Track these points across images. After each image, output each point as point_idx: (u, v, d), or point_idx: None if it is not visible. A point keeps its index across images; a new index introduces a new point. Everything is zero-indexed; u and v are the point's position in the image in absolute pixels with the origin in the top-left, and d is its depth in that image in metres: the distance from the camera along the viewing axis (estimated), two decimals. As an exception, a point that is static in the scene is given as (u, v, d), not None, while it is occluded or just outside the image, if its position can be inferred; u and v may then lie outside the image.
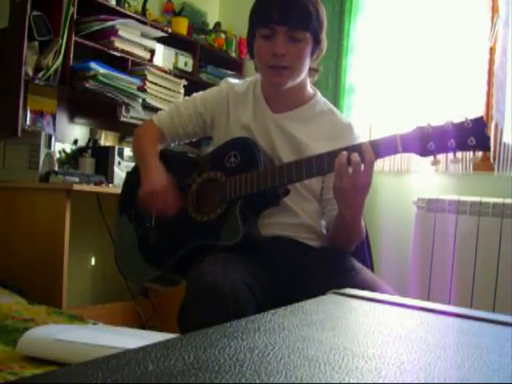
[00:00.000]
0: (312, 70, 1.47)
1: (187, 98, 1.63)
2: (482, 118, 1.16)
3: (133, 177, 1.65)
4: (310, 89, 1.51)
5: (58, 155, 2.60)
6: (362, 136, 1.50)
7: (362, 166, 1.18)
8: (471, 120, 1.14)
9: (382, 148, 1.20)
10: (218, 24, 3.48)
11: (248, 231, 1.33)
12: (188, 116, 1.54)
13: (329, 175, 1.32)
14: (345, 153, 1.19)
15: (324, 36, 1.41)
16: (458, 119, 1.16)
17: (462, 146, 1.15)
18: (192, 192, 1.44)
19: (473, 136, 1.13)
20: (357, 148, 1.21)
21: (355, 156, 1.18)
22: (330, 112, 1.50)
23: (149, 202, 1.43)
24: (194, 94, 1.59)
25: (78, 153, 2.73)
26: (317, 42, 1.39)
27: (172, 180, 1.45)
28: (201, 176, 1.46)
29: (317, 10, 1.36)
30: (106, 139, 2.93)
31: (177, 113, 1.56)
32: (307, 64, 1.40)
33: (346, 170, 1.18)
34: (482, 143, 1.13)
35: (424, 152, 1.18)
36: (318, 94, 1.53)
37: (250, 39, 1.42)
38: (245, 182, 1.34)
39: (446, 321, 0.71)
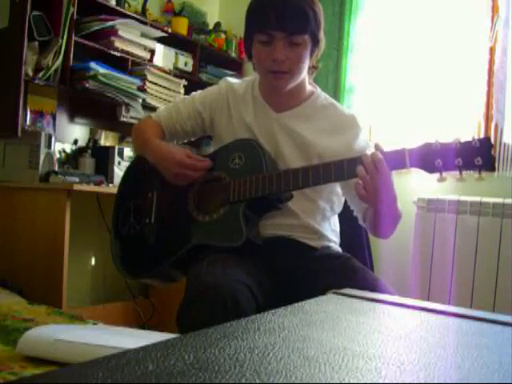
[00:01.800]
0: (311, 68, 1.47)
1: (186, 96, 1.62)
2: (488, 138, 1.18)
3: (130, 173, 1.64)
4: (309, 85, 1.49)
5: (58, 155, 2.60)
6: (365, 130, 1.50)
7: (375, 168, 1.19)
8: (478, 140, 1.15)
9: (389, 162, 1.20)
10: (218, 24, 3.48)
11: (250, 233, 1.33)
12: (187, 114, 1.54)
13: None
14: (362, 168, 1.20)
15: (322, 34, 1.39)
16: (465, 138, 1.17)
17: (469, 165, 1.16)
18: (194, 191, 1.44)
19: (480, 156, 1.14)
20: (364, 156, 1.21)
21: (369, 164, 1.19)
22: (332, 106, 1.49)
23: (180, 177, 1.42)
24: (193, 93, 1.58)
25: (78, 153, 2.73)
26: (316, 42, 1.37)
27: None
28: (203, 175, 1.45)
29: (314, 10, 1.33)
30: (106, 139, 2.93)
31: (176, 111, 1.55)
32: (307, 65, 1.39)
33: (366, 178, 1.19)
34: (488, 164, 1.15)
35: (431, 169, 1.18)
36: (318, 89, 1.51)
37: (248, 42, 1.40)
38: (249, 185, 1.33)
39: (445, 321, 0.71)
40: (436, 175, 1.19)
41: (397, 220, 1.35)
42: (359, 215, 1.45)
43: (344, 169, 1.24)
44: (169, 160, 1.42)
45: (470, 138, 1.16)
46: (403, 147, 1.21)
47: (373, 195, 1.20)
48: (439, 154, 1.17)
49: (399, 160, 1.20)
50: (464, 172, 1.18)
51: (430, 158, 1.18)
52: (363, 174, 1.19)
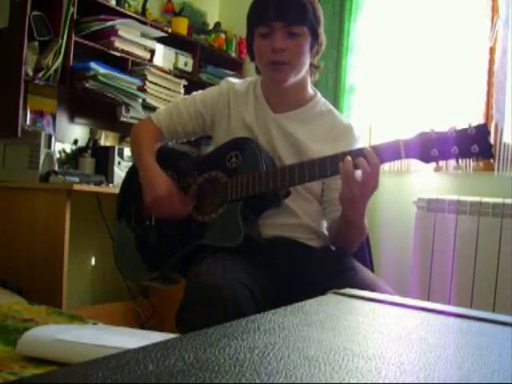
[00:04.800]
0: (312, 67, 1.48)
1: (186, 96, 1.63)
2: (485, 125, 1.16)
3: (132, 175, 1.64)
4: (310, 89, 1.51)
5: (58, 155, 2.60)
6: (362, 136, 1.50)
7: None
8: (474, 127, 1.14)
9: (384, 153, 1.20)
10: (218, 24, 3.48)
11: (249, 233, 1.33)
12: (188, 115, 1.53)
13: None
14: (350, 159, 1.19)
15: (322, 31, 1.42)
16: (461, 126, 1.16)
17: (465, 153, 1.15)
18: (192, 191, 1.44)
19: (476, 143, 1.13)
20: (360, 153, 1.21)
21: (362, 161, 1.18)
22: (330, 113, 1.50)
23: (157, 209, 1.42)
24: (194, 93, 1.58)
25: (78, 153, 2.73)
26: (315, 36, 1.40)
27: (173, 180, 1.45)
28: (201, 175, 1.45)
29: (312, 5, 1.38)
30: (106, 139, 2.93)
31: (176, 111, 1.55)
32: (307, 59, 1.41)
33: (354, 178, 1.18)
34: (485, 151, 1.13)
35: (427, 158, 1.18)
36: (319, 94, 1.53)
37: (250, 41, 1.43)
38: (246, 183, 1.34)
39: (446, 321, 0.71)
40: (433, 164, 1.19)
41: (363, 235, 1.37)
42: (327, 223, 1.46)
43: (339, 163, 1.24)
44: (151, 189, 1.41)
45: (466, 126, 1.15)
46: (398, 138, 1.21)
47: (359, 192, 1.20)
48: (435, 143, 1.16)
49: (394, 151, 1.20)
50: (461, 160, 1.17)
51: (426, 148, 1.17)
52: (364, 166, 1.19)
